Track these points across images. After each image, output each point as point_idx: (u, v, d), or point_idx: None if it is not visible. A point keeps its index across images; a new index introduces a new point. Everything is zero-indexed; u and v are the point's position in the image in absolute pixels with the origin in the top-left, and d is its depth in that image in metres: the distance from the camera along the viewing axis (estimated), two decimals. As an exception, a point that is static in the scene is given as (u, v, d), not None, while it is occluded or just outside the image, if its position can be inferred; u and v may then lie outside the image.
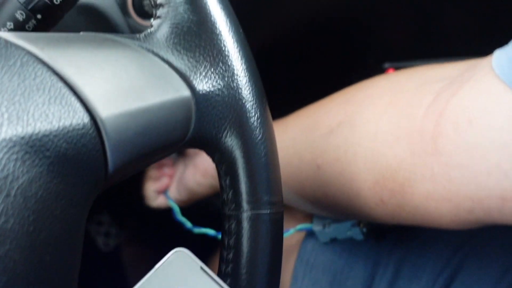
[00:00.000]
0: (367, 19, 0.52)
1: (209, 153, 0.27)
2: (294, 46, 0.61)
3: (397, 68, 0.52)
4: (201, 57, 0.25)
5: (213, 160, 0.27)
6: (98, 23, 0.46)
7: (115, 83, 0.22)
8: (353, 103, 0.38)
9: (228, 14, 0.26)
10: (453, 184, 0.30)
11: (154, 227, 0.87)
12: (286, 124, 0.46)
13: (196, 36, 0.25)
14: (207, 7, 0.25)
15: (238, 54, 0.26)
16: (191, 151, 0.63)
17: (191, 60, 0.25)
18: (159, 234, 0.80)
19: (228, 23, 0.26)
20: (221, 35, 0.25)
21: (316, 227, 0.50)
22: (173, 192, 0.63)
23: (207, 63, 0.25)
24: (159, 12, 0.25)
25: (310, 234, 0.52)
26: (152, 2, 0.25)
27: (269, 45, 0.62)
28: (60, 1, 0.36)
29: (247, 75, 0.26)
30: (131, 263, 0.89)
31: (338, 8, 0.52)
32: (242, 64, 0.26)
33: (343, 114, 0.38)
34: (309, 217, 0.53)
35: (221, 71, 0.25)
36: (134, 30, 0.49)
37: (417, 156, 0.31)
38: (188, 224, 0.57)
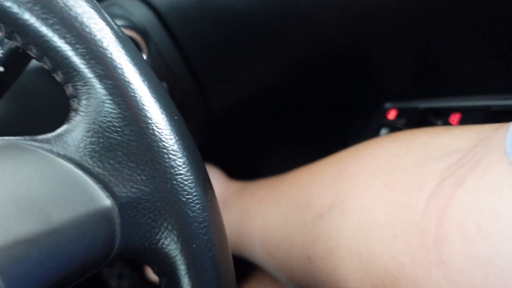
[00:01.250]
0: (366, 58, 0.47)
1: (147, 263, 0.22)
2: (291, 89, 0.56)
3: (398, 109, 0.47)
4: (124, 157, 0.21)
5: (153, 271, 0.23)
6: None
7: (9, 204, 0.18)
8: (346, 178, 0.33)
9: (162, 104, 0.22)
10: None
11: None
12: (279, 192, 0.41)
13: (117, 133, 0.21)
14: (134, 99, 0.21)
15: (173, 147, 0.21)
16: None
17: (111, 162, 0.20)
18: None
19: (162, 111, 0.22)
20: (150, 128, 0.21)
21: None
22: None
23: (132, 164, 0.21)
24: (74, 105, 0.21)
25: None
26: (67, 93, 0.21)
27: (264, 89, 0.58)
28: (4, 69, 0.33)
29: (186, 170, 0.21)
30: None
31: (336, 48, 0.48)
32: (179, 158, 0.21)
33: (334, 193, 0.33)
34: None
35: (150, 171, 0.21)
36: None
37: (419, 265, 0.25)
38: None
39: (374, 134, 0.47)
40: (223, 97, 0.55)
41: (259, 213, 0.44)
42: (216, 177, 0.59)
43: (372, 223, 0.29)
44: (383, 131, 0.46)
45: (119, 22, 0.45)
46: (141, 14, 0.47)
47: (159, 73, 0.48)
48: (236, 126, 0.64)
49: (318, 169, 0.37)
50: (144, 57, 0.46)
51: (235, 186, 0.56)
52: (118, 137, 0.21)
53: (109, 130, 0.21)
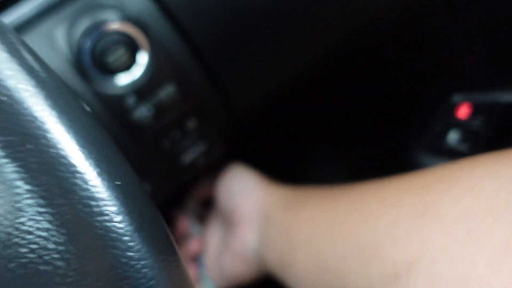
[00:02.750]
0: (424, 36, 0.36)
1: None
2: (330, 81, 0.46)
3: (472, 104, 0.36)
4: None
5: None
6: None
7: None
8: (437, 222, 0.22)
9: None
10: None
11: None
12: (334, 219, 0.32)
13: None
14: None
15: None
16: (226, 224, 0.51)
17: None
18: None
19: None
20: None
21: None
22: (212, 277, 0.51)
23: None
24: None
25: None
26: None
27: (296, 82, 0.48)
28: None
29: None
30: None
31: (384, 25, 0.37)
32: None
33: (418, 245, 0.23)
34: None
35: None
36: (103, 98, 0.37)
37: None
38: None
39: (440, 138, 0.36)
40: (247, 94, 0.46)
41: (308, 242, 0.35)
42: (253, 181, 0.49)
43: None
44: (452, 135, 0.35)
45: (111, 15, 0.37)
46: (138, 2, 0.38)
47: (165, 74, 0.39)
48: (266, 126, 0.55)
49: (391, 195, 0.27)
50: (145, 57, 0.38)
51: (277, 194, 0.46)
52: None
53: None
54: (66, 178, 0.13)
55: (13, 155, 0.13)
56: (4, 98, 0.14)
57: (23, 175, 0.13)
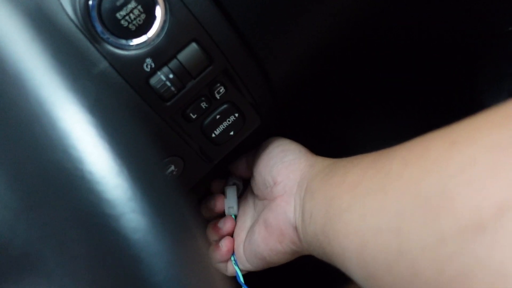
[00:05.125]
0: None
1: None
2: (377, 38, 0.40)
3: None
4: None
5: None
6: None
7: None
8: None
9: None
10: None
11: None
12: (385, 176, 0.26)
13: None
14: None
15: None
16: (261, 201, 0.46)
17: None
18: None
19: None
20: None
21: None
22: (241, 259, 0.47)
23: None
24: None
25: None
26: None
27: (337, 44, 0.41)
28: None
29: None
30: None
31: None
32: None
33: (505, 188, 0.18)
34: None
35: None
36: (113, 59, 0.32)
37: None
38: None
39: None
40: (279, 59, 0.40)
41: (355, 207, 0.29)
42: (294, 153, 0.45)
43: None
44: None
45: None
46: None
47: (186, 33, 0.34)
48: (301, 98, 0.49)
49: (463, 135, 0.21)
50: (160, 13, 0.32)
51: (320, 164, 0.41)
52: None
53: None
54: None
55: None
56: None
57: None
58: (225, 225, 0.49)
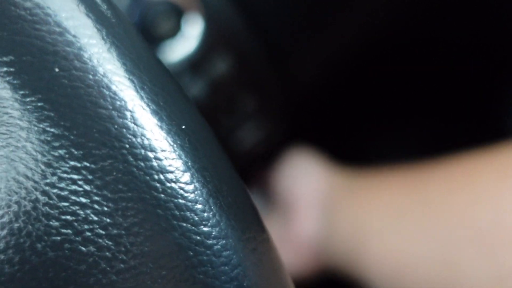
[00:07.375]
0: None
1: None
2: (408, 39, 0.40)
3: None
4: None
5: None
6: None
7: None
8: None
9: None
10: None
11: None
12: (424, 198, 0.26)
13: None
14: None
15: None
16: (283, 214, 0.46)
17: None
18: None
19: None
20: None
21: None
22: None
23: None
24: None
25: None
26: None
27: (365, 46, 0.42)
28: None
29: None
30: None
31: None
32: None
33: None
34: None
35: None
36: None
37: None
38: None
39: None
40: (307, 63, 0.41)
41: (387, 229, 0.29)
42: (315, 166, 0.43)
43: None
44: None
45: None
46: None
47: (219, 44, 0.35)
48: (331, 99, 0.49)
49: (510, 167, 0.21)
50: (197, 26, 0.33)
51: (342, 179, 0.41)
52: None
53: None
54: (109, 117, 0.09)
55: (33, 85, 0.09)
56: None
57: (48, 113, 0.09)
58: None
